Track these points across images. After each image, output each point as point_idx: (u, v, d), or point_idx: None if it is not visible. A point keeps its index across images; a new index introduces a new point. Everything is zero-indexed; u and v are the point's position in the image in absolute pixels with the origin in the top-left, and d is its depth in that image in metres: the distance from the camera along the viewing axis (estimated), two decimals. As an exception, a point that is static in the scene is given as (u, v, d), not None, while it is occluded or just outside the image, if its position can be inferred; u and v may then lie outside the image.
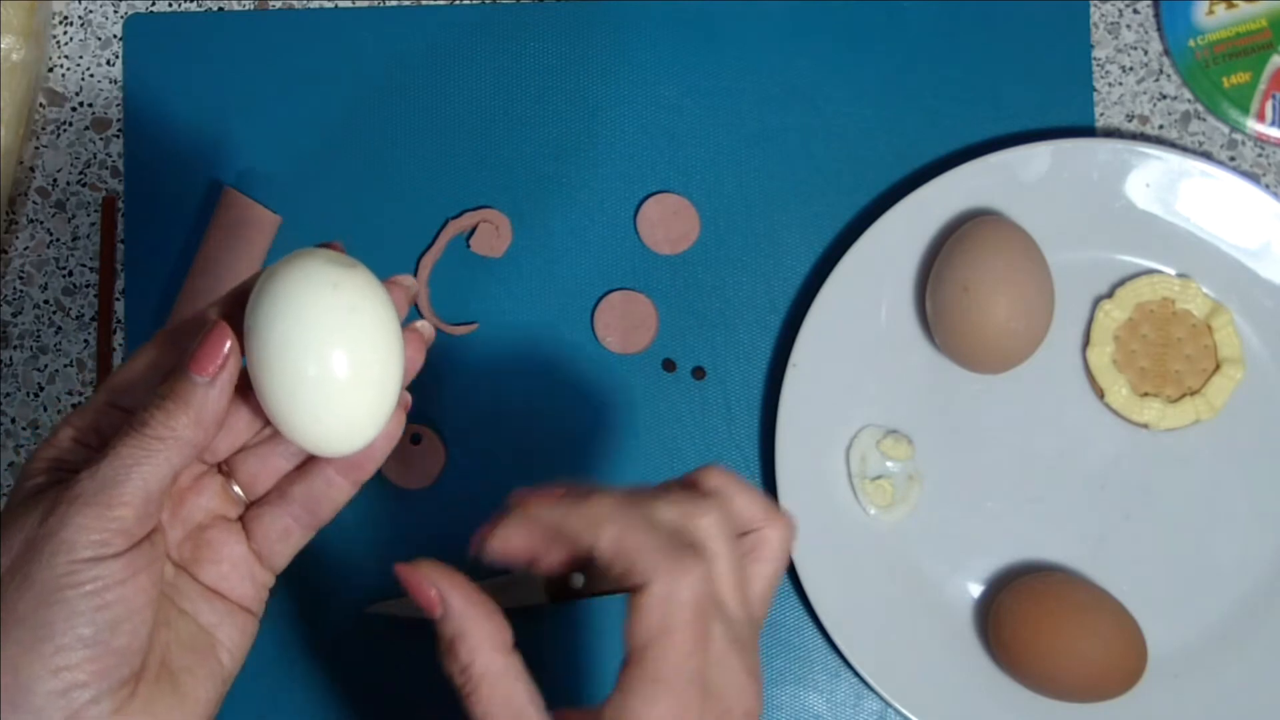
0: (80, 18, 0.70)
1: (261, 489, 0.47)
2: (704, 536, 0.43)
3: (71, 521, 0.40)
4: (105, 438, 0.42)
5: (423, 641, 0.66)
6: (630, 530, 0.42)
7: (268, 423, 0.45)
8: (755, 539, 0.46)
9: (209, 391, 0.42)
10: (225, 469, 0.46)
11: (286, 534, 0.46)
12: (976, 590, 0.66)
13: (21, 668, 0.39)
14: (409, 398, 0.45)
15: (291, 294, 0.41)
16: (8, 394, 0.68)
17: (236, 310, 0.43)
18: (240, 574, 0.45)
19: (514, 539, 0.45)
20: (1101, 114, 0.69)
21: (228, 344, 0.42)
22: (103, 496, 0.40)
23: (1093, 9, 0.69)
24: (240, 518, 0.46)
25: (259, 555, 0.46)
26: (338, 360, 0.41)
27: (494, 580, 0.63)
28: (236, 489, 0.46)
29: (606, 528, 0.42)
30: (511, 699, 0.43)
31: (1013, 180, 0.66)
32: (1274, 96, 0.68)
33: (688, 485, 0.46)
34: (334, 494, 0.46)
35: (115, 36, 0.70)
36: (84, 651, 0.39)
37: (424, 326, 0.46)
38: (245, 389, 0.44)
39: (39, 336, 0.69)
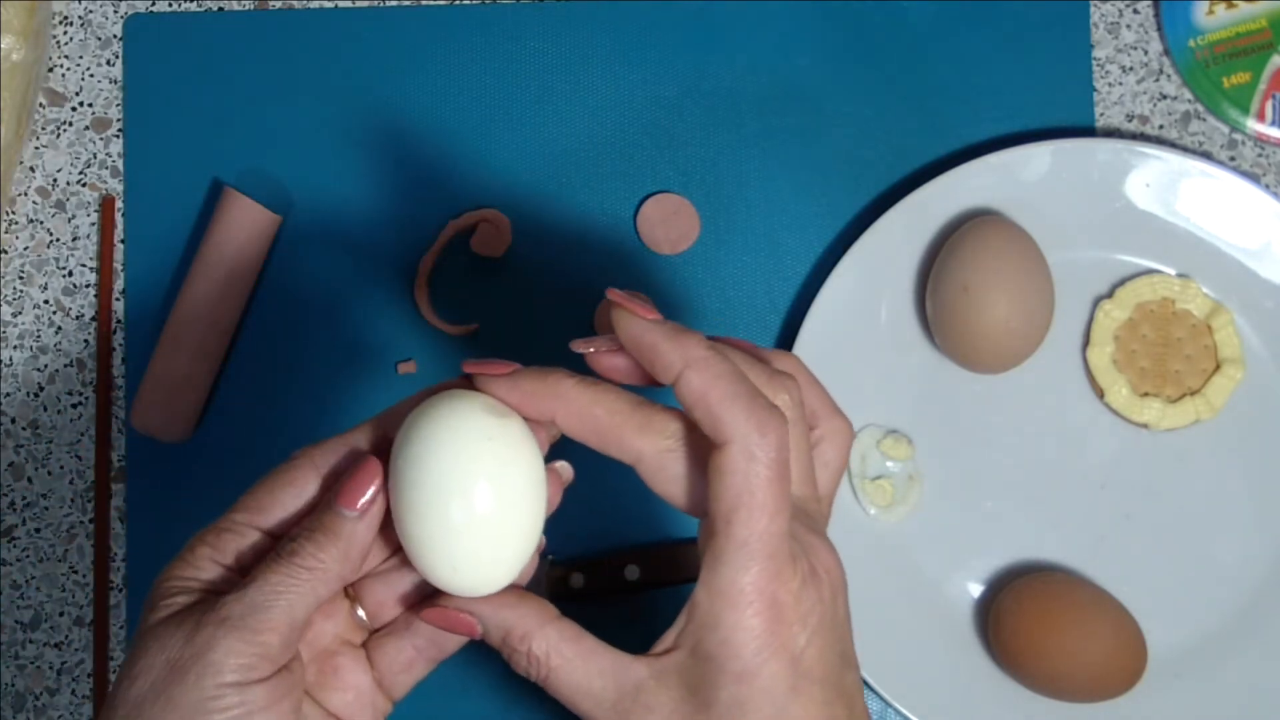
0: (80, 18, 0.70)
1: (387, 616, 0.46)
2: (782, 402, 0.42)
3: (219, 645, 0.40)
4: (243, 560, 0.42)
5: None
6: (720, 378, 0.41)
7: (397, 549, 0.45)
8: (820, 432, 0.45)
9: (356, 526, 0.42)
10: (351, 593, 0.46)
11: (410, 665, 0.46)
12: (976, 590, 0.66)
13: None
14: (544, 540, 0.45)
15: (445, 440, 0.42)
16: (8, 394, 0.68)
17: (384, 433, 0.44)
18: (363, 702, 0.45)
19: (512, 394, 0.43)
20: (1101, 114, 0.69)
21: (377, 481, 0.42)
22: (250, 621, 0.40)
23: (1093, 9, 0.70)
24: (364, 644, 0.46)
25: (380, 684, 0.46)
26: (484, 509, 0.42)
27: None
28: (361, 614, 0.46)
29: (698, 369, 0.41)
30: (590, 655, 0.42)
31: (1013, 180, 0.66)
32: (1274, 96, 0.68)
33: (760, 359, 0.45)
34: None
35: (115, 36, 0.70)
36: None
37: (563, 468, 0.46)
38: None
39: (39, 336, 0.69)
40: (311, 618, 0.44)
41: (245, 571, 0.42)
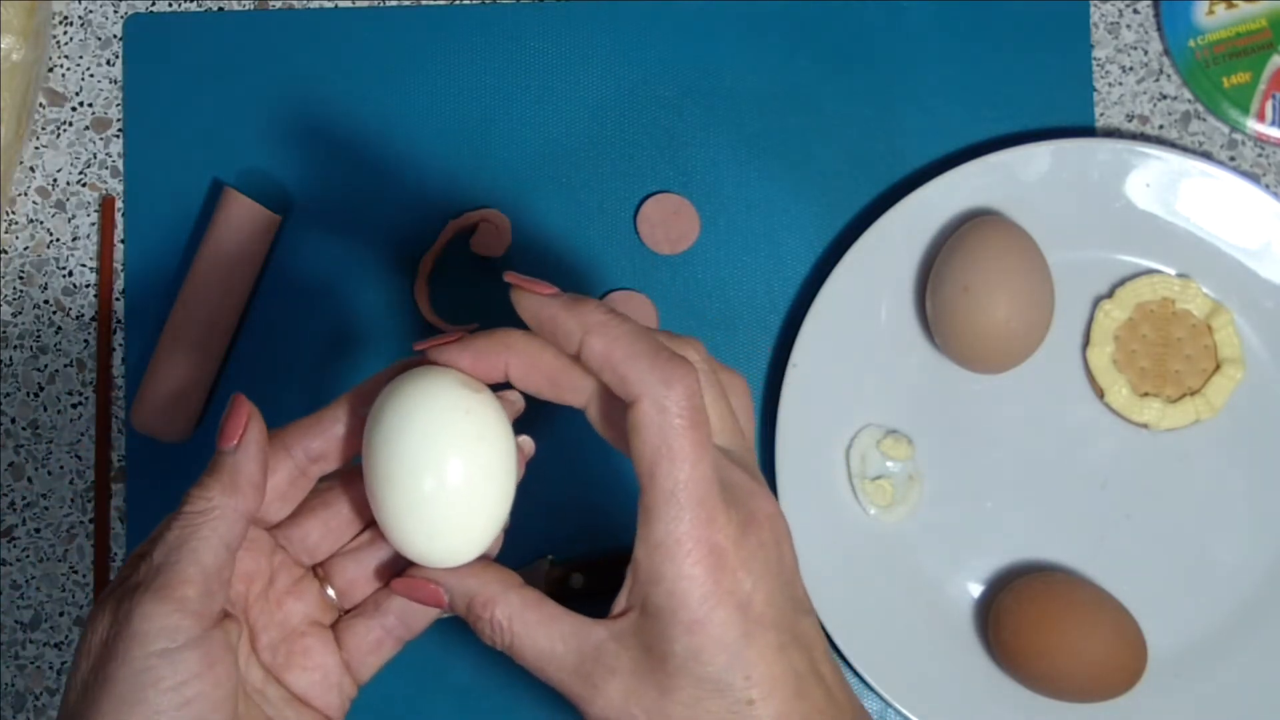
0: (80, 18, 0.70)
1: (358, 595, 0.47)
2: (688, 357, 0.43)
3: (136, 612, 0.40)
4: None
5: (422, 641, 0.66)
6: (620, 339, 0.41)
7: (366, 526, 0.46)
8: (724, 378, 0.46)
9: (234, 457, 0.42)
10: (320, 574, 0.46)
11: (378, 645, 0.46)
12: (976, 590, 0.66)
13: None
14: (509, 522, 0.45)
15: (417, 414, 0.42)
16: (8, 394, 0.68)
17: (354, 411, 0.45)
18: (329, 683, 0.45)
19: (462, 359, 0.44)
20: (1101, 114, 0.69)
21: (246, 413, 0.43)
22: (160, 580, 0.40)
23: (1093, 9, 0.70)
24: (332, 626, 0.46)
25: (347, 665, 0.46)
26: (454, 481, 0.42)
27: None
28: (331, 593, 0.46)
29: (597, 333, 0.42)
30: (551, 621, 0.43)
31: (1013, 180, 0.66)
32: (1274, 96, 0.68)
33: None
34: (429, 610, 0.46)
35: (115, 36, 0.70)
36: None
37: (525, 442, 0.46)
38: (344, 487, 0.45)
39: (39, 336, 0.69)
40: (280, 597, 0.45)
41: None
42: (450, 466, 0.42)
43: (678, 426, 0.41)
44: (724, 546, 0.41)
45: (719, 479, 0.42)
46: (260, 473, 0.43)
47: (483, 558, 0.44)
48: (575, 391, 0.44)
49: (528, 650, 0.43)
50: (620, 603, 0.42)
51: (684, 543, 0.41)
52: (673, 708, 0.41)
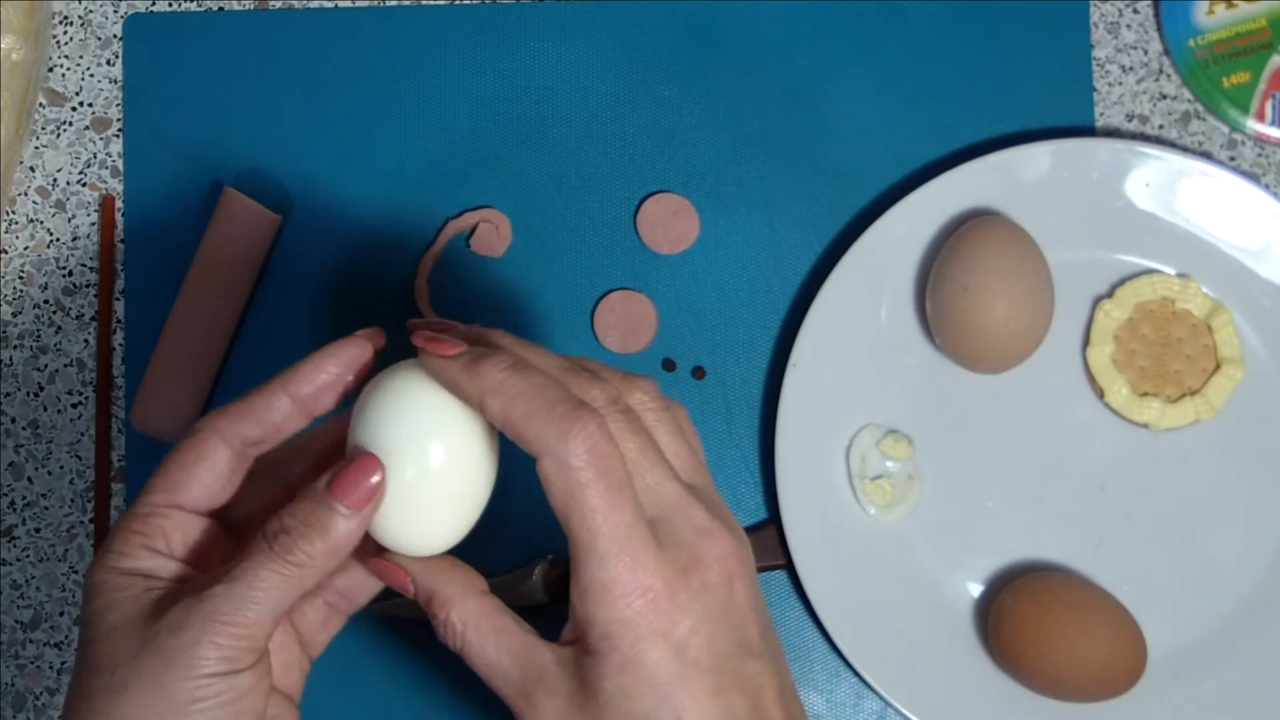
0: (80, 18, 0.70)
1: None
2: (593, 399, 0.43)
3: (205, 639, 0.41)
4: (172, 541, 0.44)
5: (421, 641, 0.66)
6: (517, 399, 0.41)
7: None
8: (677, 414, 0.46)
9: (349, 524, 0.42)
10: None
11: (326, 622, 0.47)
12: (976, 590, 0.66)
13: None
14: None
15: (406, 404, 0.43)
16: (8, 394, 0.68)
17: (286, 393, 0.45)
18: (290, 663, 0.46)
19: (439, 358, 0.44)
20: (1101, 114, 0.69)
21: (377, 476, 0.42)
22: (239, 617, 0.41)
23: (1093, 9, 0.70)
24: None
25: (300, 644, 0.47)
26: (438, 471, 0.43)
27: (495, 580, 0.63)
28: None
29: (493, 394, 0.42)
30: (503, 633, 0.43)
31: (1013, 180, 0.66)
32: (1274, 96, 0.68)
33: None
34: (373, 582, 0.47)
35: (115, 36, 0.70)
36: None
37: None
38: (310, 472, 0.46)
39: (39, 336, 0.69)
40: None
41: (185, 555, 0.43)
42: (431, 457, 0.43)
43: (582, 480, 0.41)
44: (656, 588, 0.41)
45: (646, 522, 0.42)
46: (358, 541, 0.44)
47: (451, 552, 0.45)
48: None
49: (476, 658, 0.43)
50: (567, 632, 0.43)
51: (611, 588, 0.41)
52: None
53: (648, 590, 0.41)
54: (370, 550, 0.45)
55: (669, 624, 0.41)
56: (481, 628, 0.43)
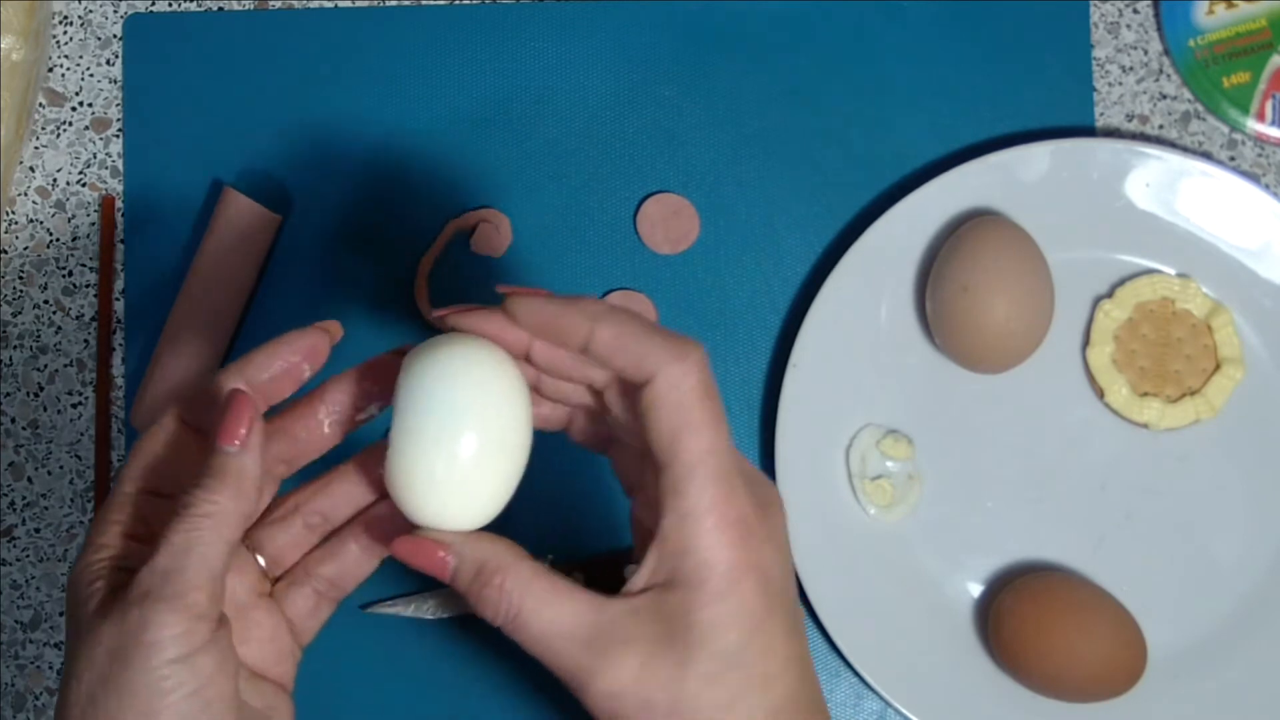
0: (80, 18, 0.70)
1: (287, 563, 0.47)
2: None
3: (151, 622, 0.40)
4: (155, 528, 0.43)
5: (421, 641, 0.66)
6: (627, 323, 0.42)
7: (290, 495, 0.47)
8: None
9: (241, 459, 0.42)
10: (249, 544, 0.47)
11: (315, 609, 0.47)
12: (976, 590, 0.66)
13: None
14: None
15: (457, 376, 0.43)
16: (8, 394, 0.68)
17: (246, 376, 0.45)
18: (282, 652, 0.46)
19: (488, 326, 0.44)
20: (1101, 114, 0.69)
21: (250, 411, 0.43)
22: (171, 588, 0.40)
23: (1093, 9, 0.70)
24: (269, 595, 0.47)
25: (290, 632, 0.46)
26: (485, 445, 0.43)
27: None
28: (261, 561, 0.47)
29: (605, 321, 0.42)
30: (563, 594, 0.42)
31: (1013, 180, 0.66)
32: (1274, 96, 0.68)
33: None
34: (361, 569, 0.47)
35: (115, 36, 0.70)
36: None
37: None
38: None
39: (39, 336, 0.69)
40: (228, 564, 0.45)
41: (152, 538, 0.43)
42: (482, 428, 0.42)
43: (696, 394, 0.41)
44: (749, 519, 0.41)
45: (736, 458, 0.42)
46: (260, 473, 0.43)
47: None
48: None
49: (533, 623, 0.42)
50: (639, 581, 0.42)
51: (714, 512, 0.41)
52: (691, 681, 0.41)
53: (742, 520, 0.41)
54: (401, 528, 0.44)
55: (759, 553, 0.41)
56: (537, 591, 0.42)
